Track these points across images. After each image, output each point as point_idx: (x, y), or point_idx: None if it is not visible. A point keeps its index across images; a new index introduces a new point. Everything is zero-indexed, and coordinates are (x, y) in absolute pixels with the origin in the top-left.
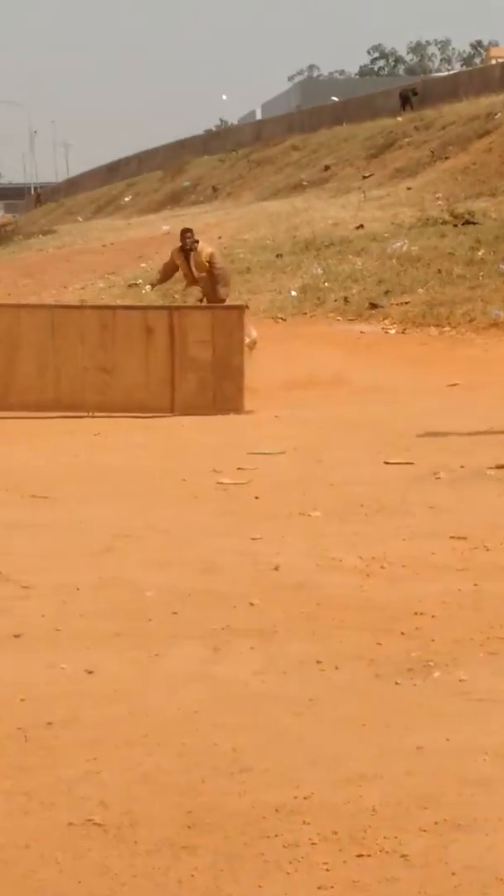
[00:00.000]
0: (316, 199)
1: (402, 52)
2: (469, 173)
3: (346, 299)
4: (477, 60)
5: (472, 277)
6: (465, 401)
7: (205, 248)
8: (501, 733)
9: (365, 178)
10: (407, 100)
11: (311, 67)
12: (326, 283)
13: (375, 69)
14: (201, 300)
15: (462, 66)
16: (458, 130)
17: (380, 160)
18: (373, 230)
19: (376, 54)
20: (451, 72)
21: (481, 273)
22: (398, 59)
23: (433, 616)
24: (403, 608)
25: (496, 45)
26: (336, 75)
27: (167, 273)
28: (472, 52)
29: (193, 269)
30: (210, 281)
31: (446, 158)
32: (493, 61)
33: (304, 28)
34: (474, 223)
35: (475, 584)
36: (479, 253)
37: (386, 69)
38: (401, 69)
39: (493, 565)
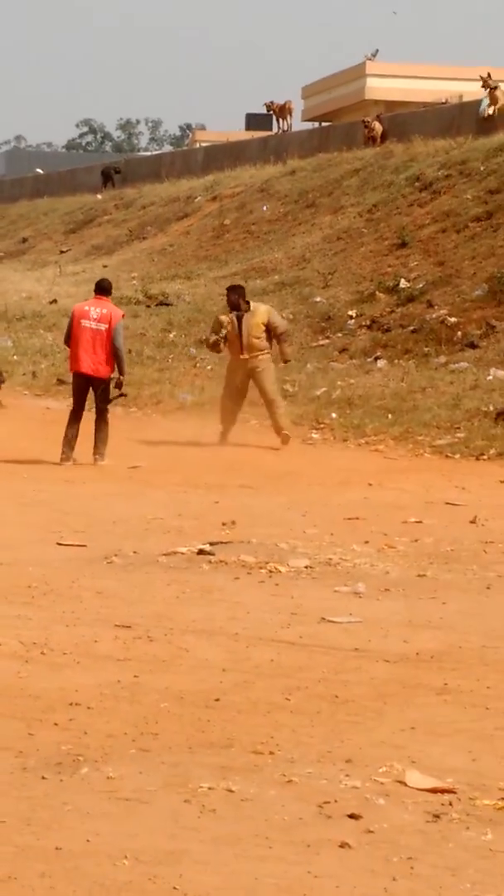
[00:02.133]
0: (11, 270)
1: (112, 128)
2: (166, 255)
3: (34, 374)
4: (185, 143)
5: (163, 359)
6: (145, 484)
7: (258, 307)
8: (144, 836)
9: (62, 252)
10: (109, 177)
11: (18, 138)
12: (15, 357)
13: (83, 143)
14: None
15: (169, 146)
16: (158, 211)
17: (78, 235)
18: (66, 305)
19: (85, 128)
20: (156, 152)
21: (171, 355)
22: (106, 136)
23: (89, 707)
24: (60, 697)
25: (202, 128)
26: (43, 147)
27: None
28: (182, 134)
29: (244, 335)
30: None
31: (144, 238)
32: (198, 144)
33: (14, 96)
34: (168, 304)
35: (135, 676)
36: (171, 335)
37: (94, 144)
38: (108, 145)
39: (154, 657)
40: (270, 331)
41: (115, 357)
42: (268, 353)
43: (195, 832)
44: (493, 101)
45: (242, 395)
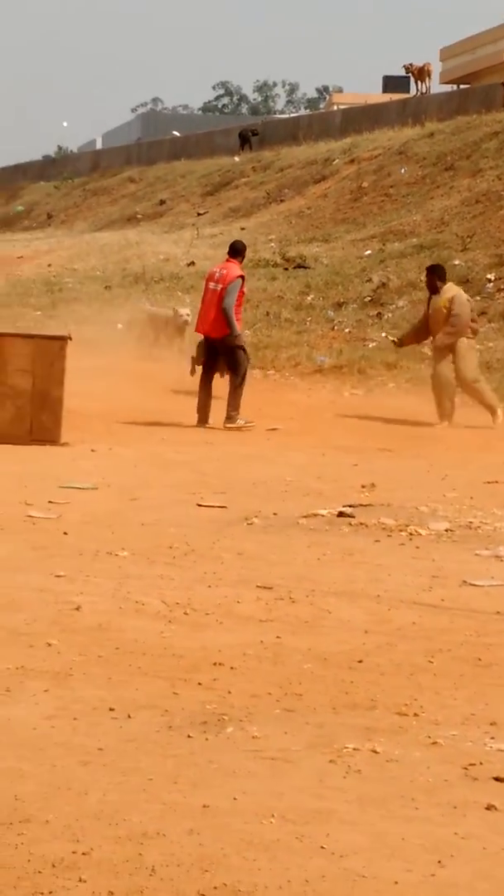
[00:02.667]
0: (149, 233)
1: (248, 91)
2: (303, 217)
3: None
4: (322, 106)
5: (300, 322)
6: (283, 447)
7: (448, 291)
8: (290, 795)
9: (199, 215)
10: (246, 140)
11: (155, 100)
12: None
13: (219, 106)
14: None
15: (306, 109)
16: (296, 174)
17: (215, 198)
18: (204, 268)
19: (221, 91)
20: (293, 114)
21: (309, 318)
22: (242, 98)
23: (232, 668)
24: (203, 657)
25: (340, 90)
26: (179, 110)
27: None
28: (318, 97)
29: (430, 317)
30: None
31: (281, 201)
32: (335, 107)
33: (151, 60)
34: (305, 267)
35: (277, 637)
36: (309, 298)
37: (230, 107)
38: (244, 108)
39: (296, 618)
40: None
41: (223, 315)
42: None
43: (341, 792)
44: None
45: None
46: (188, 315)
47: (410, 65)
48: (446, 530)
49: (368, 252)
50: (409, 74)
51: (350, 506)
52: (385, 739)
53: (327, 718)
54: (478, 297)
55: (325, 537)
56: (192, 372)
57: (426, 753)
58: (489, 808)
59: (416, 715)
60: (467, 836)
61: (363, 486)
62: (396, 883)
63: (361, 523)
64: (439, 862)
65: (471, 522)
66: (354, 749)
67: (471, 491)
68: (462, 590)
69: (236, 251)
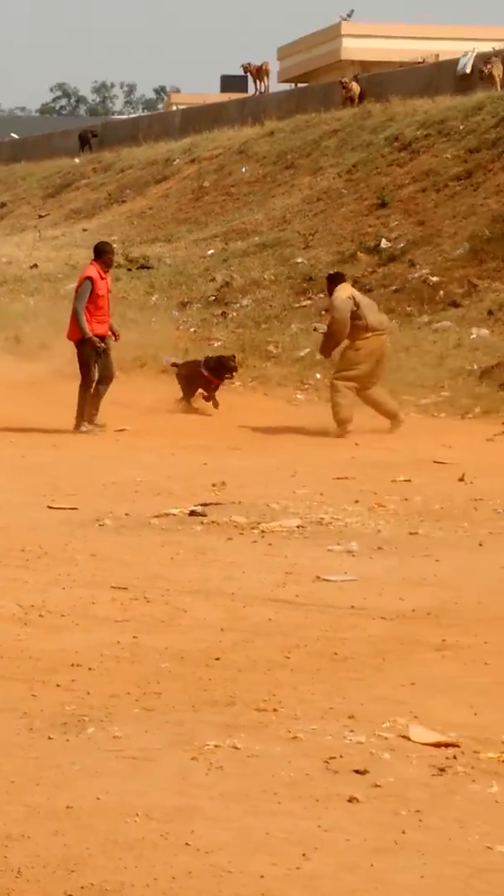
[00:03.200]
0: None
1: (86, 92)
2: (145, 218)
3: (17, 338)
4: (160, 106)
5: (145, 322)
6: (132, 447)
7: (333, 295)
8: (153, 793)
9: (41, 217)
10: (86, 141)
11: None
12: None
13: (57, 108)
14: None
15: (145, 110)
16: (137, 174)
17: (56, 200)
18: (47, 270)
19: (59, 92)
20: (132, 115)
21: (154, 318)
22: (80, 99)
23: (90, 668)
24: (61, 659)
25: (177, 91)
26: (17, 112)
27: None
28: (156, 98)
29: None
30: None
31: (123, 202)
32: (174, 107)
33: None
34: (149, 268)
35: (134, 637)
36: (153, 298)
37: (68, 108)
38: (82, 109)
39: (152, 617)
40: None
41: (74, 318)
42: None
43: (204, 789)
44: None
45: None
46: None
47: (249, 64)
48: (298, 527)
49: (211, 251)
50: (248, 74)
51: (201, 504)
52: (245, 735)
53: (187, 716)
54: (321, 295)
55: (177, 536)
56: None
57: (287, 748)
58: (351, 800)
59: (275, 710)
60: (330, 828)
61: (213, 485)
62: (262, 877)
63: (213, 522)
64: (304, 855)
65: (322, 518)
66: (215, 746)
67: (320, 487)
68: (315, 585)
69: (96, 252)
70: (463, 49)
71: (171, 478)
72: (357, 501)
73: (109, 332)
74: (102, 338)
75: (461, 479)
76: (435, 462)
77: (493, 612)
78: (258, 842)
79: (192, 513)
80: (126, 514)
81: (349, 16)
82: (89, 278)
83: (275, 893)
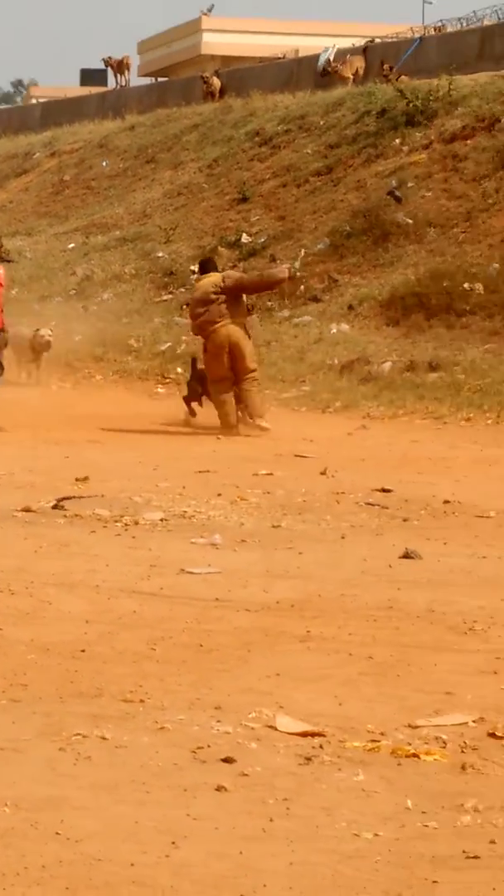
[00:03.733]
0: None
1: None
2: (5, 211)
3: None
4: (17, 99)
5: (7, 315)
6: None
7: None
8: (22, 784)
9: None
10: None
11: None
12: None
13: None
14: None
15: (2, 103)
16: None
17: None
18: None
19: None
20: None
21: (14, 312)
22: None
23: None
24: None
25: (36, 84)
26: None
27: None
28: (13, 91)
29: None
30: None
31: None
32: (34, 100)
33: None
34: (9, 261)
35: None
36: (13, 292)
37: None
38: None
39: (17, 610)
40: None
41: None
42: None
43: (73, 779)
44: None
45: None
46: (50, 335)
47: (109, 58)
48: (161, 520)
49: (72, 245)
50: (109, 67)
51: (64, 498)
52: (113, 726)
53: (54, 707)
54: (182, 289)
55: (40, 529)
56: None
57: (154, 738)
58: (219, 789)
59: (142, 701)
60: (199, 817)
61: (76, 479)
62: (132, 865)
63: (76, 515)
64: (173, 843)
65: (185, 512)
66: (83, 736)
67: (183, 480)
68: (180, 578)
69: None
70: (323, 45)
71: (32, 471)
72: (220, 495)
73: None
74: None
75: (323, 473)
76: (296, 456)
77: (356, 603)
78: (128, 830)
79: (55, 506)
80: None
81: (209, 11)
82: None
83: (145, 881)
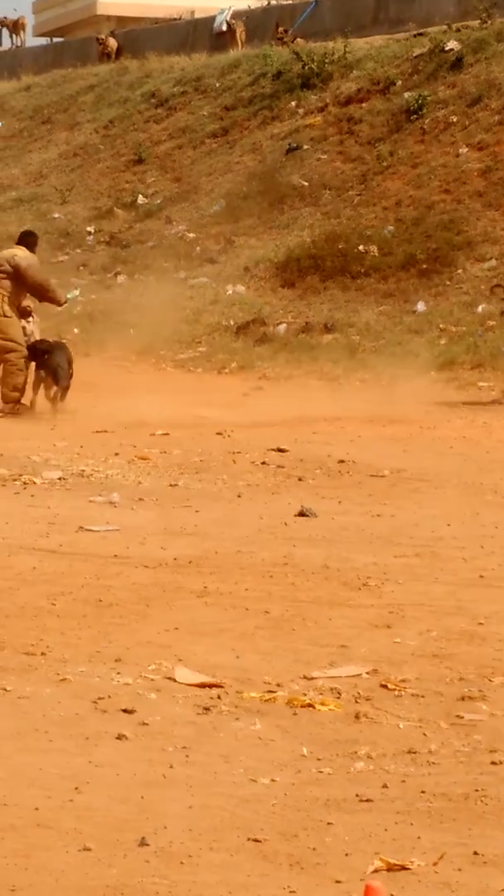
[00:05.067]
0: None
1: None
2: None
3: None
4: None
5: None
6: None
7: None
8: None
9: None
10: None
11: None
12: None
13: None
14: None
15: None
16: None
17: None
18: None
19: None
20: None
21: None
22: None
23: None
24: None
25: None
26: None
27: None
28: None
29: None
30: None
31: None
32: None
33: None
34: None
35: None
36: None
37: None
38: None
39: None
40: None
41: None
42: None
43: None
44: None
45: None
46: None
47: (4, 18)
48: (59, 478)
49: None
50: (3, 27)
51: None
52: (15, 678)
53: None
54: (79, 250)
55: None
56: None
57: (56, 689)
58: (119, 737)
59: (43, 654)
60: (101, 764)
61: None
62: (37, 809)
63: None
64: (76, 788)
65: (83, 471)
66: None
67: (80, 440)
68: (79, 535)
69: None
70: (219, 6)
71: None
72: (117, 454)
73: None
74: None
75: (219, 433)
76: (194, 416)
77: (252, 560)
78: (31, 777)
79: None
80: None
81: None
82: None
83: (49, 824)
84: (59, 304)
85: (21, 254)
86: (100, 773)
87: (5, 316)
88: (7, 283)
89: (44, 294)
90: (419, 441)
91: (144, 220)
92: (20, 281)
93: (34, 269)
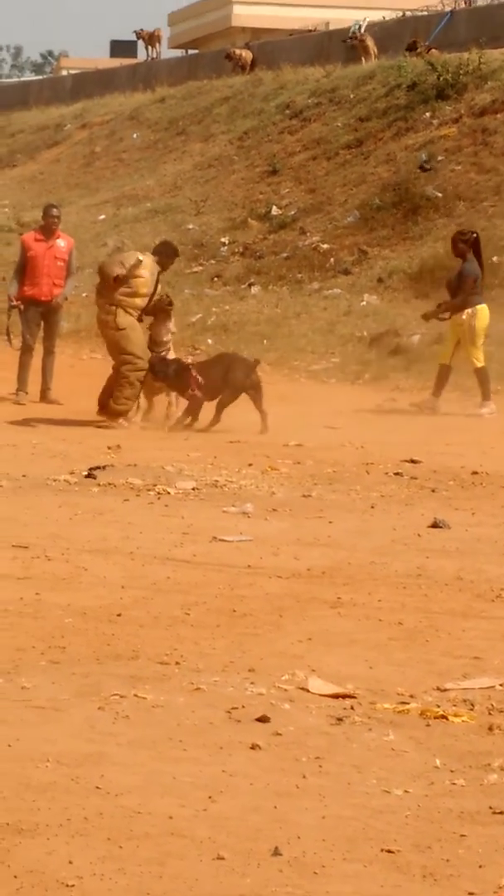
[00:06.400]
0: None
1: None
2: (37, 182)
3: None
4: (48, 69)
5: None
6: (24, 410)
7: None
8: (63, 741)
9: None
10: None
11: None
12: None
13: None
14: None
15: (32, 73)
16: (27, 139)
17: None
18: None
19: None
20: (21, 79)
21: None
22: None
23: None
24: None
25: (66, 55)
26: None
27: None
28: (43, 62)
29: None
30: None
31: (14, 166)
32: (65, 72)
33: None
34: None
35: (37, 594)
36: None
37: None
38: None
39: (53, 575)
40: None
41: None
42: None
43: (111, 737)
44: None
45: None
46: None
47: (141, 30)
48: (193, 488)
49: (103, 217)
50: (140, 39)
51: (97, 467)
52: (150, 687)
53: (92, 668)
54: (213, 261)
55: (75, 497)
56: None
57: (190, 699)
58: (253, 747)
59: (177, 664)
60: (235, 773)
61: (109, 448)
62: (171, 818)
63: (110, 483)
64: (210, 798)
65: (216, 481)
66: (121, 696)
67: (214, 451)
68: (212, 545)
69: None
70: (353, 18)
71: (66, 440)
72: (250, 465)
73: (50, 297)
74: (36, 301)
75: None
76: (326, 427)
77: (386, 571)
78: (165, 785)
79: (89, 475)
80: (23, 476)
81: None
82: (22, 242)
83: (184, 832)
84: (113, 279)
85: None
86: (233, 782)
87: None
88: (101, 292)
89: (109, 284)
90: None
91: (278, 231)
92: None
93: (105, 265)
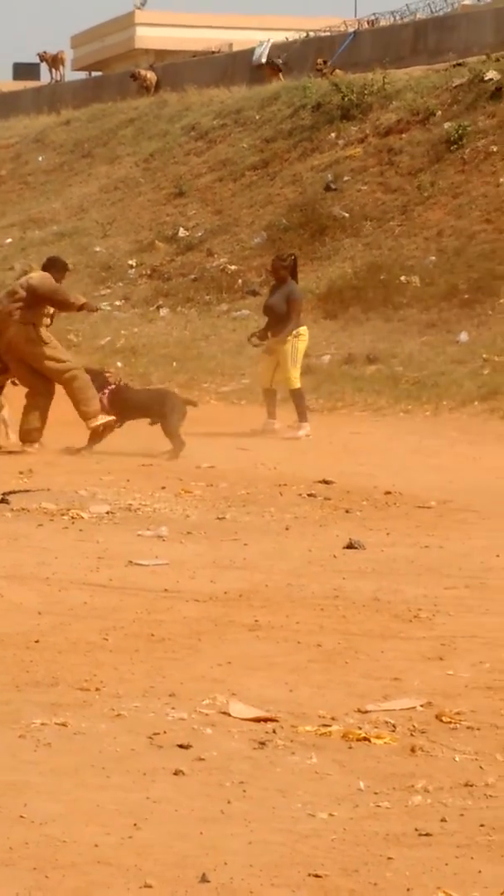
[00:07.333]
0: None
1: None
2: None
3: None
4: None
5: None
6: None
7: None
8: None
9: None
10: None
11: None
12: None
13: None
14: None
15: None
16: None
17: None
18: None
19: None
20: None
21: None
22: None
23: None
24: None
25: None
26: None
27: None
28: None
29: None
30: None
31: None
32: None
33: None
34: None
35: None
36: None
37: None
38: None
39: None
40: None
41: None
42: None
43: (34, 765)
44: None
45: None
46: None
47: (45, 52)
48: (107, 512)
49: (9, 240)
50: (43, 62)
51: (10, 492)
52: (71, 714)
53: (12, 696)
54: (121, 283)
55: None
56: None
57: (111, 725)
58: (177, 773)
59: (97, 690)
60: (159, 799)
61: (21, 472)
62: (96, 846)
63: (23, 508)
64: (135, 825)
65: (130, 504)
66: (42, 724)
67: (126, 474)
68: (128, 569)
69: None
70: (257, 39)
71: None
72: (163, 488)
73: None
74: None
75: (264, 466)
76: (238, 449)
77: (303, 593)
78: (90, 813)
79: (2, 500)
80: None
81: (143, 4)
82: None
83: (110, 860)
84: (77, 309)
85: (35, 275)
86: (158, 808)
87: (39, 345)
88: (29, 312)
89: (61, 303)
90: (465, 472)
91: (186, 253)
92: (38, 300)
93: (46, 280)
